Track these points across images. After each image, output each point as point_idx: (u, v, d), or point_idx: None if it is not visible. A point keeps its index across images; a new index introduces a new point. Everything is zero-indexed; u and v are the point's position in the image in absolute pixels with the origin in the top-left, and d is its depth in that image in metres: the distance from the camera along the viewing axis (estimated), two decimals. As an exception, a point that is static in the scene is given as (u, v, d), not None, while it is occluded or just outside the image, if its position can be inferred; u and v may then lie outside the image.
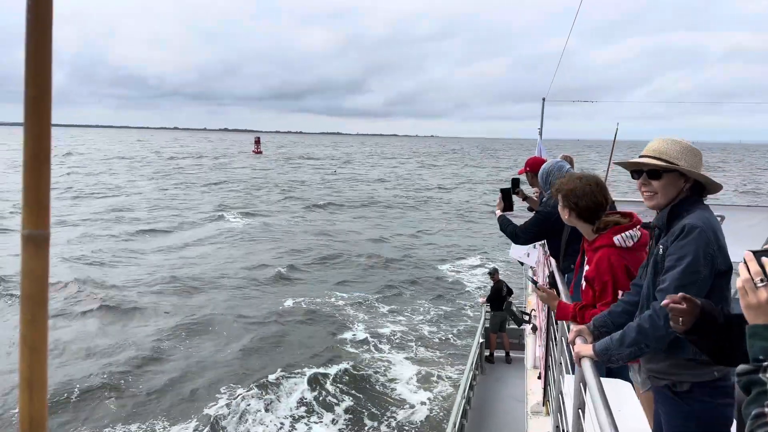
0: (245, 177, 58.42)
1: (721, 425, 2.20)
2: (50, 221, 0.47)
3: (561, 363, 3.28)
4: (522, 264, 7.34)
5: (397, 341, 14.21)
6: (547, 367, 4.43)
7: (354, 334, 14.48)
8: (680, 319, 1.79)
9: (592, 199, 2.90)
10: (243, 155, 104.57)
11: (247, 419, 10.22)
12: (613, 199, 3.84)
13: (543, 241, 5.12)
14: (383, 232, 29.08)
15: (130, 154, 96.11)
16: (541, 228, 4.13)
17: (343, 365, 12.39)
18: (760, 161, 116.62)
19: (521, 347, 9.76)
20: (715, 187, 2.31)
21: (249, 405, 10.63)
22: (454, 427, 7.26)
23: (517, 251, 5.83)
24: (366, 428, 10.18)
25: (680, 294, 1.80)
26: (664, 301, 1.83)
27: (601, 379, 2.17)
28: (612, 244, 2.78)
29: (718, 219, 2.33)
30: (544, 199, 4.34)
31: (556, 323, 3.65)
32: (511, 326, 11.01)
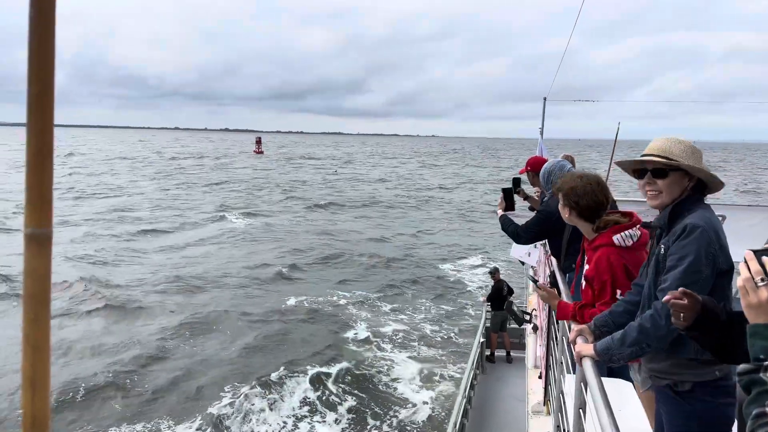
0: (247, 177, 58.44)
1: (723, 425, 2.20)
2: (53, 219, 0.47)
3: (562, 362, 3.28)
4: (523, 263, 7.33)
5: (398, 340, 14.25)
6: (548, 367, 4.43)
7: (356, 333, 14.53)
8: (681, 314, 1.79)
9: (592, 198, 2.90)
10: (244, 155, 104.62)
11: (250, 418, 10.25)
12: (615, 198, 3.84)
13: (544, 241, 5.11)
14: (384, 231, 29.10)
15: (131, 155, 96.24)
16: (542, 227, 4.13)
17: (346, 364, 12.43)
18: (761, 160, 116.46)
19: (522, 347, 9.75)
20: (717, 186, 2.31)
21: (252, 404, 10.67)
22: (455, 426, 7.26)
23: (518, 251, 5.82)
24: (368, 427, 10.19)
25: (680, 288, 1.80)
26: (666, 297, 1.83)
27: (602, 378, 2.17)
28: (611, 244, 2.78)
29: (720, 219, 2.32)
30: (546, 198, 4.34)
31: (557, 323, 3.65)
32: (512, 326, 11.00)
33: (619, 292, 2.70)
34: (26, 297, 0.47)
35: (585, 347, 2.40)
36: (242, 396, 10.87)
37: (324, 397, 11.10)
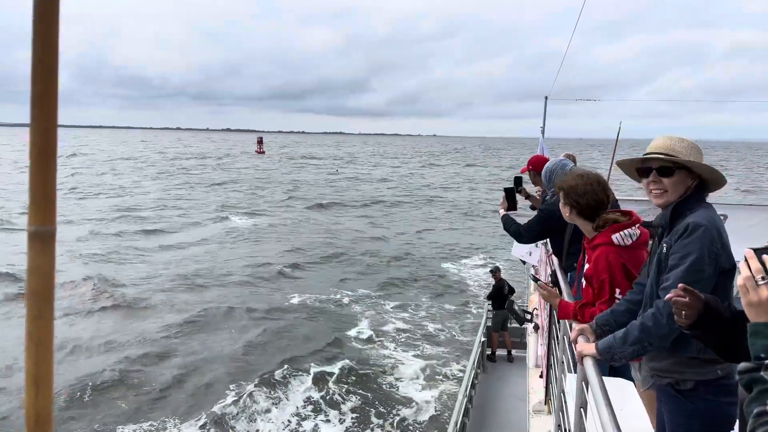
0: (249, 177, 58.53)
1: (725, 424, 2.19)
2: (56, 217, 0.48)
3: (563, 362, 3.27)
4: (524, 263, 7.34)
5: (401, 338, 14.30)
6: (549, 366, 4.42)
7: (359, 331, 14.62)
8: (683, 312, 1.78)
9: (593, 197, 2.89)
10: (246, 155, 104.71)
11: (254, 417, 10.31)
12: (617, 198, 3.83)
13: (545, 240, 5.11)
14: (386, 231, 29.14)
15: (134, 155, 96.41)
16: (544, 226, 4.12)
17: (349, 362, 12.49)
18: (763, 159, 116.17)
19: (523, 346, 9.75)
20: (720, 183, 2.31)
21: (257, 402, 10.73)
22: (456, 425, 7.26)
23: (519, 250, 5.82)
24: (371, 426, 10.22)
25: (681, 285, 1.80)
26: (668, 295, 1.83)
27: (603, 377, 2.17)
28: (610, 242, 2.78)
29: (721, 218, 2.32)
30: (547, 197, 4.33)
31: (558, 322, 3.65)
32: (513, 325, 11.00)
33: (618, 291, 2.70)
34: (30, 294, 0.48)
35: (586, 346, 2.40)
36: (246, 394, 10.93)
37: (328, 396, 11.13)
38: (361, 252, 23.50)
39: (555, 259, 4.17)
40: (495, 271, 11.93)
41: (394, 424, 10.26)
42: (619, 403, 2.09)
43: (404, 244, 25.91)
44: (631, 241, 2.78)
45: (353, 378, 11.88)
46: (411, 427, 10.19)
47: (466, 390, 8.36)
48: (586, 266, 2.91)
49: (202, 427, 9.91)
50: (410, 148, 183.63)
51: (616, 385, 2.59)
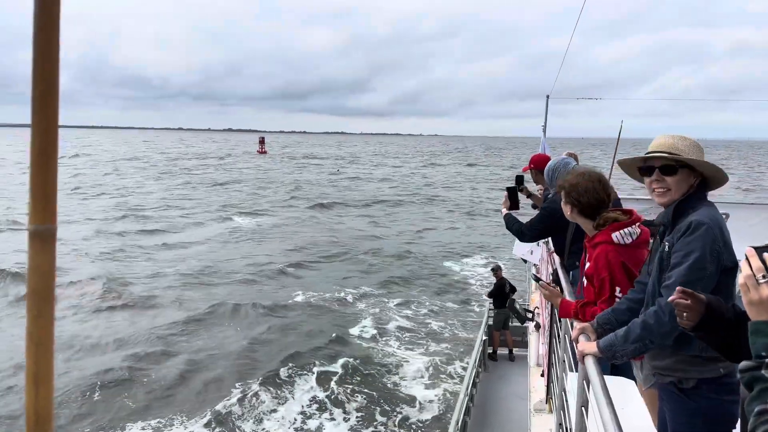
0: (251, 177, 58.60)
1: (727, 422, 2.19)
2: (57, 216, 0.48)
3: (564, 361, 3.27)
4: (525, 261, 7.33)
5: (404, 337, 14.38)
6: (550, 365, 4.42)
7: (362, 329, 14.71)
8: (685, 314, 1.78)
9: (594, 196, 2.89)
10: (248, 155, 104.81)
11: (260, 414, 10.37)
12: (619, 197, 3.82)
13: (547, 239, 5.10)
14: (388, 230, 29.19)
15: (137, 155, 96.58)
16: (546, 224, 4.11)
17: (352, 360, 12.56)
18: (764, 158, 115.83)
19: (524, 345, 9.75)
20: (722, 181, 2.30)
21: (261, 400, 10.81)
22: (457, 424, 7.26)
23: (521, 248, 5.81)
24: (374, 424, 10.24)
25: (679, 288, 1.80)
26: (671, 297, 1.83)
27: (605, 376, 2.17)
28: (610, 241, 2.78)
29: (723, 216, 2.32)
30: (549, 195, 4.32)
31: (560, 321, 3.65)
32: (515, 324, 11.00)
33: (618, 289, 2.70)
34: (30, 293, 0.48)
35: (588, 345, 2.40)
36: (252, 392, 11.01)
37: (332, 395, 11.18)
38: (363, 251, 23.56)
39: (556, 258, 4.16)
40: (496, 270, 11.93)
41: (397, 423, 10.27)
42: (620, 401, 2.09)
43: (406, 243, 25.93)
44: (631, 240, 2.78)
45: (357, 376, 11.94)
46: (414, 426, 10.20)
47: (467, 389, 8.36)
48: (587, 265, 2.91)
49: (209, 424, 9.98)
50: (411, 148, 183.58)
51: (617, 383, 2.59)
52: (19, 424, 9.75)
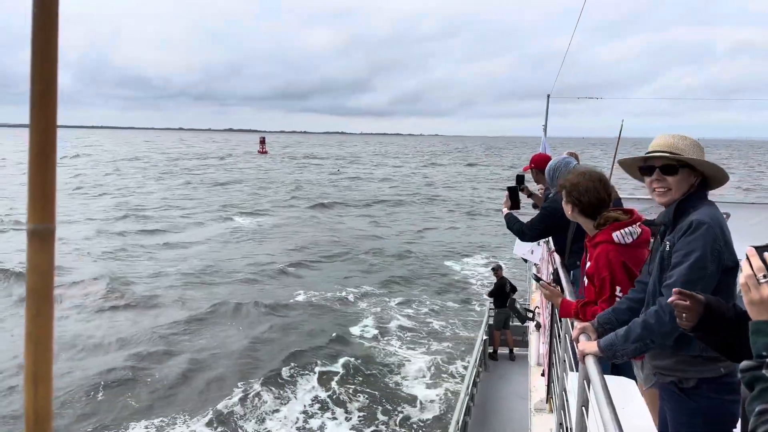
0: (252, 176, 58.64)
1: (727, 422, 2.19)
2: (56, 215, 0.48)
3: (565, 360, 3.27)
4: (526, 261, 7.32)
5: (405, 336, 14.39)
6: (550, 365, 4.42)
7: (363, 329, 14.75)
8: (683, 315, 1.78)
9: (594, 195, 2.89)
10: (248, 155, 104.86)
11: (261, 414, 10.39)
12: (620, 197, 3.81)
13: (547, 238, 5.10)
14: (389, 230, 29.21)
15: (138, 155, 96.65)
16: (547, 224, 4.11)
17: (354, 360, 12.59)
18: (765, 158, 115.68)
19: (525, 344, 9.74)
20: (722, 181, 2.30)
21: (263, 399, 10.84)
22: (458, 423, 7.25)
23: (521, 248, 5.81)
24: (375, 423, 10.25)
25: (675, 289, 1.79)
26: (671, 299, 1.82)
27: (605, 376, 2.16)
28: (611, 240, 2.78)
29: (724, 216, 2.31)
30: (550, 195, 4.32)
31: (560, 320, 3.65)
32: (515, 323, 11.00)
33: (618, 289, 2.69)
34: (29, 292, 0.48)
35: (588, 345, 2.39)
36: (254, 391, 11.05)
37: (334, 395, 11.20)
38: (364, 250, 23.60)
39: (557, 257, 4.16)
40: (496, 270, 11.92)
41: (398, 422, 10.28)
42: (620, 401, 2.09)
43: (407, 242, 25.96)
44: (631, 239, 2.77)
45: (359, 375, 11.97)
46: (415, 426, 10.20)
47: (467, 388, 8.36)
48: (588, 264, 2.91)
49: (211, 423, 10.01)
50: (412, 148, 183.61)
51: (617, 383, 2.59)
52: (21, 423, 9.77)
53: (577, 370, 2.59)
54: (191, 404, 10.66)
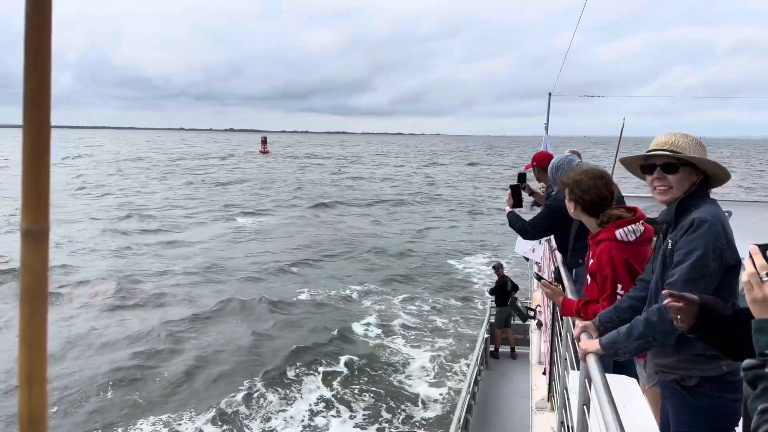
0: (254, 176, 58.71)
1: (730, 420, 2.18)
2: (50, 215, 0.47)
3: (566, 359, 3.27)
4: (527, 260, 7.32)
5: (408, 334, 14.42)
6: (552, 363, 4.42)
7: (367, 326, 14.80)
8: (678, 316, 1.77)
9: (597, 193, 2.89)
10: (250, 155, 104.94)
11: (266, 413, 10.41)
12: (623, 195, 3.80)
13: (549, 237, 5.09)
14: (390, 229, 29.24)
15: (140, 156, 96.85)
16: (549, 222, 4.10)
17: (357, 358, 12.63)
18: (765, 156, 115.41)
19: (526, 343, 9.74)
20: (724, 179, 2.29)
21: (267, 398, 10.86)
22: (459, 422, 7.25)
23: (523, 246, 5.80)
24: (379, 420, 10.27)
25: (666, 291, 1.79)
26: (666, 301, 1.82)
27: (607, 375, 2.16)
28: (613, 238, 2.77)
29: (726, 214, 2.31)
30: (552, 193, 4.31)
31: (561, 319, 3.64)
32: (516, 322, 10.99)
33: (620, 287, 2.69)
34: (23, 293, 0.47)
35: (589, 343, 2.39)
36: (258, 389, 11.09)
37: (338, 393, 11.21)
38: (366, 249, 23.63)
39: (558, 256, 4.15)
40: (498, 268, 11.91)
41: (399, 419, 10.31)
42: (622, 400, 2.09)
43: (408, 241, 25.98)
44: (634, 237, 2.77)
45: (363, 374, 12.01)
46: (418, 424, 10.22)
47: (469, 386, 8.35)
48: (591, 262, 2.91)
49: (217, 420, 10.05)
50: (413, 147, 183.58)
51: (619, 382, 2.58)
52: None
53: (578, 369, 2.58)
54: (198, 401, 10.72)
